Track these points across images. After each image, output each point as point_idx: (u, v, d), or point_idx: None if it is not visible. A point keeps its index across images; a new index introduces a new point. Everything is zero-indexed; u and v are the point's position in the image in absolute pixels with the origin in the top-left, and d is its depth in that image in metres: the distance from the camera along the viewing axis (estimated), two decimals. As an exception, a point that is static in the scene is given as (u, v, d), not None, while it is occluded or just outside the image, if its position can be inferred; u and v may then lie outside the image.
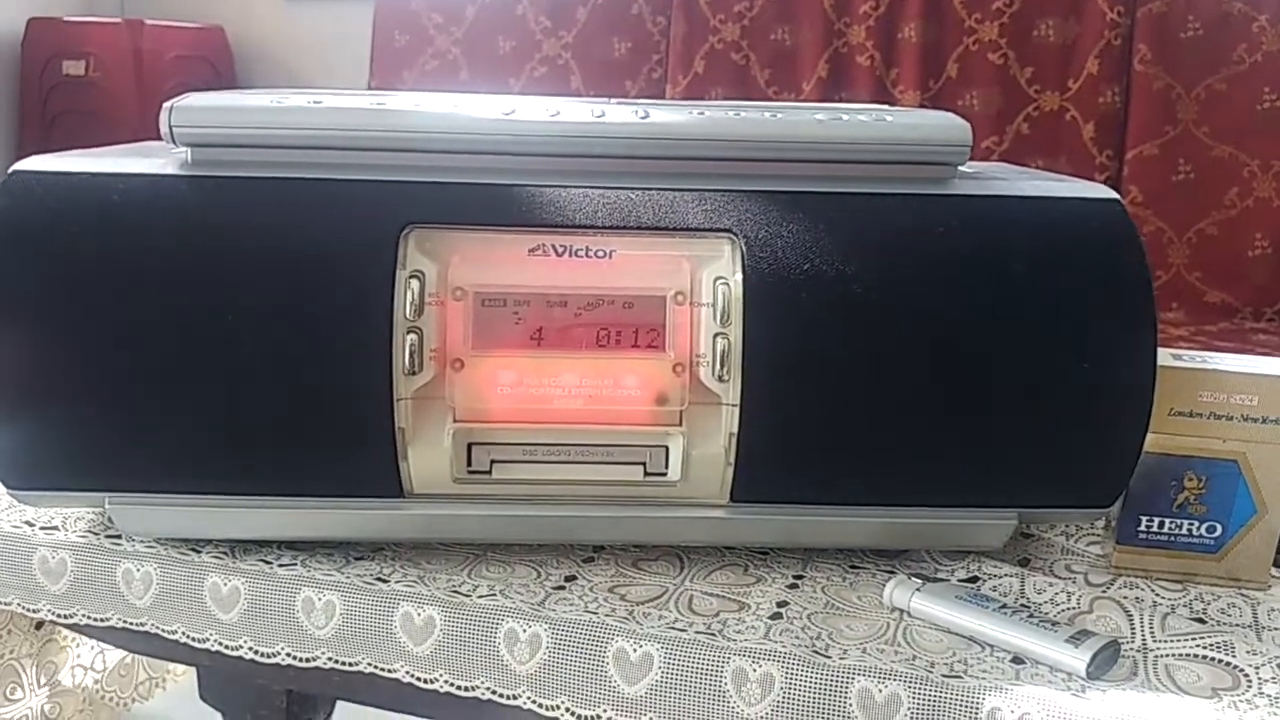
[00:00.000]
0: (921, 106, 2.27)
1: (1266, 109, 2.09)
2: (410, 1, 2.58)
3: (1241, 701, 0.51)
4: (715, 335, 0.58)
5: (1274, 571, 0.64)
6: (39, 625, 0.93)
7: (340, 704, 0.75)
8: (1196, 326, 2.06)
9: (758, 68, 2.35)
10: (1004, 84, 2.24)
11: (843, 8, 2.30)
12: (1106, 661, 0.54)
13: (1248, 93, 2.10)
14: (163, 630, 0.64)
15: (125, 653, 1.03)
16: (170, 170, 0.60)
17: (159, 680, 1.09)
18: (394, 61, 2.59)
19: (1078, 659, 0.53)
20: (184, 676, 1.10)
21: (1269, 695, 0.51)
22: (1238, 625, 0.59)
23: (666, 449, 0.60)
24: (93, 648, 1.01)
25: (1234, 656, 0.54)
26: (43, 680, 0.95)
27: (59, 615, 0.66)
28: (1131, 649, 0.56)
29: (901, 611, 0.59)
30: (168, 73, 2.80)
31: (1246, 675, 0.53)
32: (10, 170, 0.60)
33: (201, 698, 0.73)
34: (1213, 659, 0.55)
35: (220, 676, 0.71)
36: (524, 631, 0.58)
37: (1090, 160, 2.20)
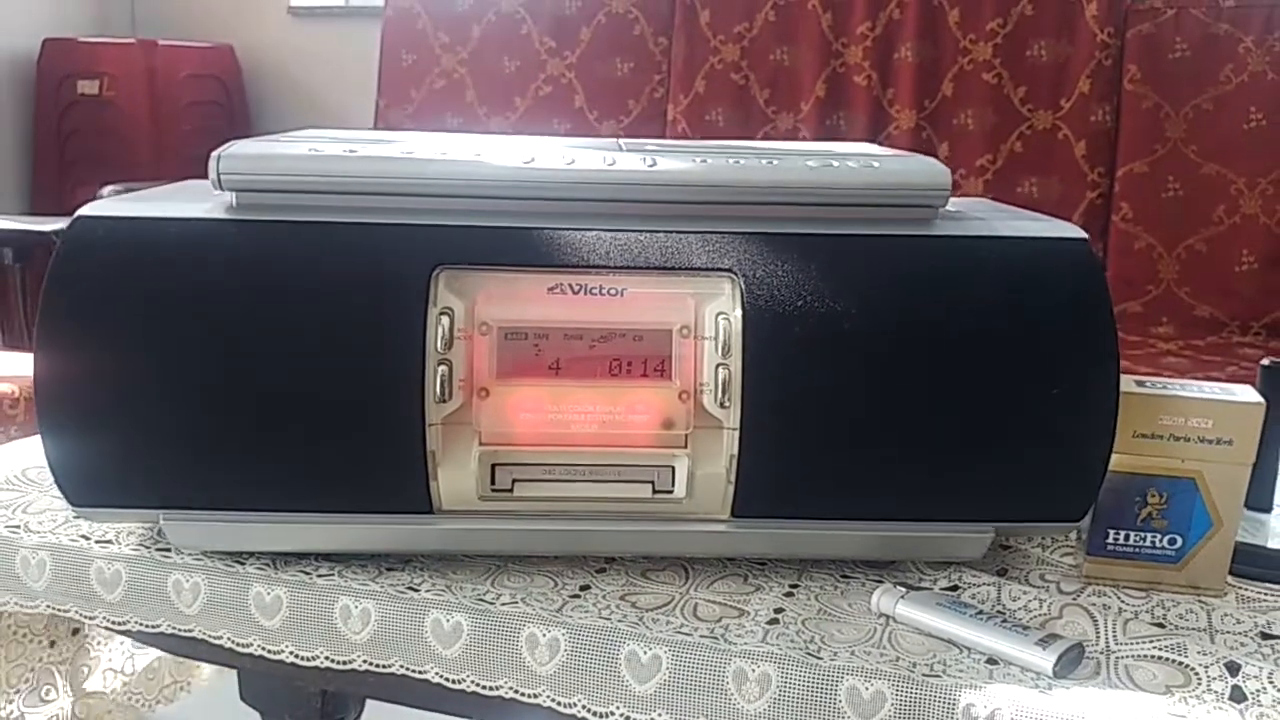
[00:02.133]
0: (918, 125, 2.33)
1: (1253, 128, 2.15)
2: (417, 22, 2.64)
3: (1191, 697, 0.56)
4: (717, 366, 0.64)
5: (1230, 580, 0.70)
6: (75, 631, 0.99)
7: (370, 704, 0.80)
8: (1185, 340, 2.12)
9: (757, 88, 2.41)
10: (998, 103, 2.31)
11: (840, 29, 2.37)
12: (1071, 662, 0.59)
13: (1234, 112, 2.16)
14: (209, 636, 0.70)
15: (150, 659, 1.09)
16: (218, 214, 0.66)
17: (183, 684, 1.14)
18: (401, 80, 2.65)
19: (1045, 659, 0.59)
20: (206, 682, 1.15)
21: (1216, 691, 0.57)
22: (1193, 629, 0.64)
23: (673, 469, 0.66)
24: (123, 652, 1.06)
25: (1186, 657, 0.60)
26: (71, 686, 1.01)
27: (114, 622, 0.71)
28: (1096, 651, 0.61)
29: (888, 617, 0.65)
30: (180, 91, 2.86)
31: (1197, 673, 0.59)
32: (75, 215, 0.65)
33: (242, 698, 0.79)
34: (1168, 659, 0.60)
35: (260, 679, 0.77)
36: (544, 636, 0.63)
37: (1082, 177, 2.27)
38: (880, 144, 2.34)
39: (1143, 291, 2.21)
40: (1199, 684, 0.58)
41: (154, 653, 1.07)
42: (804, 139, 2.36)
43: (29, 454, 0.86)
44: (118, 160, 2.74)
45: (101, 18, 3.11)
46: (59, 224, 1.71)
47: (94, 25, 3.07)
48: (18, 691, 0.95)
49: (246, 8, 3.08)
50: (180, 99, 2.86)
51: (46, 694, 0.99)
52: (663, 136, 2.43)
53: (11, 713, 0.94)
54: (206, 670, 1.11)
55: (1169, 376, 0.69)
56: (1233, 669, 0.59)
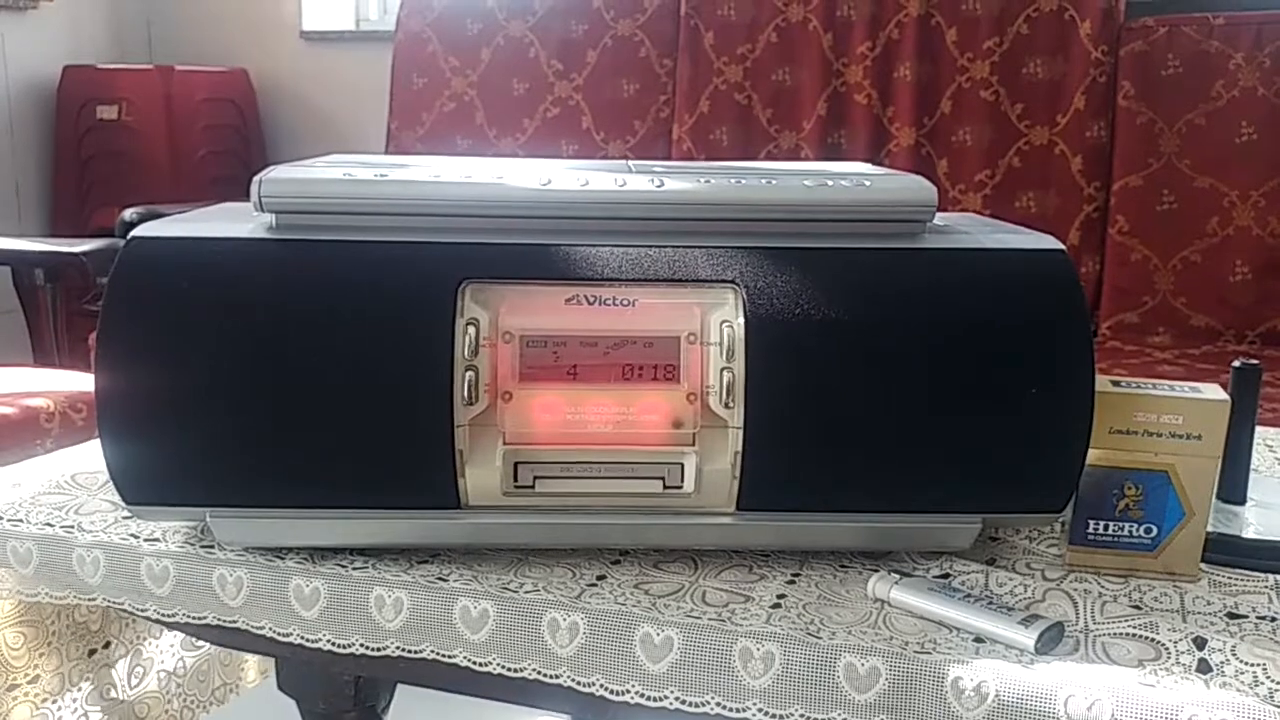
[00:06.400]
0: (917, 142, 2.38)
1: (1244, 142, 2.20)
2: (427, 46, 2.70)
3: (1161, 669, 0.61)
4: (722, 369, 0.69)
5: (1206, 567, 0.74)
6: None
7: (399, 690, 0.85)
8: (1181, 350, 2.16)
9: (760, 107, 2.47)
10: (995, 120, 2.36)
11: (841, 49, 2.43)
12: (1052, 640, 0.64)
13: (1226, 127, 2.21)
14: (252, 627, 0.75)
15: (199, 661, 1.13)
16: (260, 234, 0.72)
17: (232, 686, 1.18)
18: (413, 103, 2.71)
19: (1027, 637, 0.64)
20: (253, 684, 1.18)
21: (1184, 664, 0.62)
22: (1167, 610, 0.69)
23: (682, 466, 0.71)
24: (174, 654, 1.10)
25: (1158, 634, 0.65)
26: (97, 698, 1.04)
27: (164, 615, 0.76)
28: (1076, 630, 0.66)
29: (883, 602, 0.70)
30: (196, 114, 2.93)
31: (1167, 648, 0.64)
32: (130, 237, 0.71)
33: (280, 688, 0.84)
34: (1141, 636, 0.65)
35: (297, 667, 0.82)
36: (564, 621, 0.68)
37: (1079, 192, 2.32)
38: (881, 161, 2.40)
39: (1139, 302, 2.26)
40: (1169, 657, 0.63)
41: (204, 655, 1.12)
42: (806, 157, 2.42)
43: (75, 461, 0.92)
44: (136, 183, 2.81)
45: (119, 45, 3.19)
46: (88, 245, 1.77)
47: (112, 52, 3.15)
48: (57, 700, 0.99)
49: (260, 33, 3.15)
50: (196, 123, 2.93)
51: (88, 699, 1.03)
52: (668, 156, 2.49)
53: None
54: (252, 673, 1.16)
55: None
56: (1200, 643, 0.64)
